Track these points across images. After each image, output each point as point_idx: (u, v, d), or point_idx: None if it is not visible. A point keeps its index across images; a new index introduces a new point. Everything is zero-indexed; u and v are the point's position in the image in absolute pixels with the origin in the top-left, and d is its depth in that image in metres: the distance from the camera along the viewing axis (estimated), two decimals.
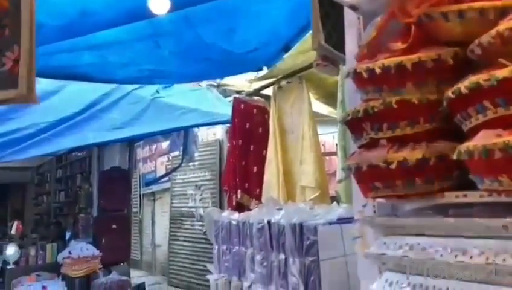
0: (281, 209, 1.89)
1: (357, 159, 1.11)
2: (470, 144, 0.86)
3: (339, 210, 1.82)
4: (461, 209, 0.99)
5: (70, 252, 4.37)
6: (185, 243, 6.92)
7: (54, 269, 4.40)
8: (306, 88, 3.37)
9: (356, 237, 1.17)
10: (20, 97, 1.11)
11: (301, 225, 1.66)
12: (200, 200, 6.80)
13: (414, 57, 0.98)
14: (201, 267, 6.20)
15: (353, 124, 1.15)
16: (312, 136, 3.25)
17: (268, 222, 1.83)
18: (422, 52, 0.99)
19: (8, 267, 4.37)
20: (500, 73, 0.80)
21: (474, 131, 0.90)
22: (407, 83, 1.01)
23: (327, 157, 4.84)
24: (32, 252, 4.57)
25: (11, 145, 3.58)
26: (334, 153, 4.91)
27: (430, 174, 1.00)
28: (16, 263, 4.44)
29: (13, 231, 4.99)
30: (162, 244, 7.87)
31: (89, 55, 2.36)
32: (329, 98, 3.60)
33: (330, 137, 5.05)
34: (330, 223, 1.66)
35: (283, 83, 3.53)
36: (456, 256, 0.88)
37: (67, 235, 5.16)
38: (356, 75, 1.08)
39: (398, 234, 1.04)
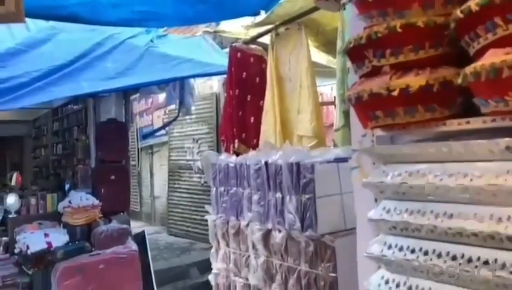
0: (277, 151, 1.89)
1: (358, 88, 1.08)
2: (477, 64, 0.84)
3: (336, 151, 1.82)
4: (461, 139, 0.98)
5: (70, 202, 4.42)
6: (183, 195, 7.04)
7: (55, 218, 4.46)
8: (305, 35, 3.27)
9: (354, 167, 1.17)
10: (8, 13, 1.05)
11: (298, 164, 1.66)
12: (198, 153, 6.83)
13: None
14: (199, 217, 6.35)
15: (355, 52, 1.11)
16: (310, 85, 3.20)
17: (266, 163, 1.83)
18: None
19: (10, 216, 4.42)
20: None
21: (482, 52, 0.87)
22: (414, 4, 0.97)
23: (324, 110, 4.81)
24: (33, 201, 4.61)
25: (4, 94, 3.50)
26: (332, 103, 4.89)
27: (432, 101, 0.98)
28: (17, 212, 4.49)
29: (13, 182, 5.02)
30: (161, 196, 8.02)
31: None
32: (329, 46, 3.52)
33: (328, 89, 4.99)
34: (328, 162, 1.67)
35: (281, 29, 3.42)
36: (456, 179, 0.88)
37: (66, 186, 5.20)
38: None
39: (397, 162, 1.03)
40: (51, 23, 3.85)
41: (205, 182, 6.54)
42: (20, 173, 5.77)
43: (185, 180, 7.07)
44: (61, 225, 4.39)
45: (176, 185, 7.24)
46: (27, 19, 3.81)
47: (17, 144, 10.12)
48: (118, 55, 3.99)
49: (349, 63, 2.63)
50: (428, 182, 0.93)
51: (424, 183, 0.94)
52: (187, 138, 7.07)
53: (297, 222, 1.64)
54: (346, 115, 2.73)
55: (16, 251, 4.00)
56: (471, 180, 0.86)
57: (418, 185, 0.95)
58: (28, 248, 3.87)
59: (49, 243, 4.01)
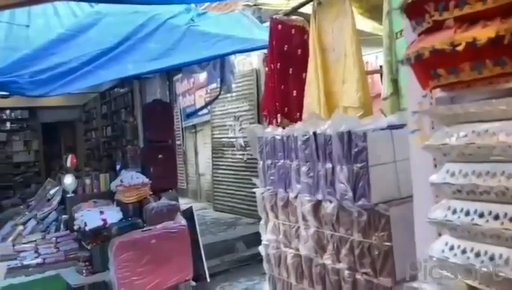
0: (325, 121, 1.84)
1: (417, 46, 1.02)
2: None
3: (388, 118, 1.75)
4: None
5: (121, 181, 4.61)
6: (226, 171, 7.16)
7: (109, 196, 4.67)
8: (349, 1, 3.14)
9: (413, 130, 1.11)
10: None
11: (349, 133, 1.62)
12: (240, 130, 6.88)
13: None
14: (244, 193, 6.47)
15: (414, 8, 1.04)
16: (355, 53, 3.08)
17: (314, 133, 1.80)
18: None
19: (68, 195, 4.68)
20: None
21: None
22: None
23: (369, 80, 4.64)
24: (88, 181, 4.84)
25: (57, 79, 3.66)
26: (378, 71, 4.71)
27: (502, 54, 0.90)
28: (74, 191, 4.73)
29: (68, 164, 5.29)
30: (205, 173, 8.21)
31: None
32: (374, 11, 3.36)
33: (373, 57, 4.80)
34: (381, 129, 1.61)
35: None
36: None
37: (118, 166, 5.42)
38: None
39: (462, 122, 0.97)
40: (96, 8, 3.96)
41: (248, 159, 6.61)
42: (74, 155, 6.07)
43: (228, 158, 7.17)
44: (115, 203, 4.60)
45: (220, 163, 7.37)
46: (75, 4, 3.95)
47: (70, 128, 10.69)
48: (160, 36, 4.04)
49: (397, 27, 2.51)
50: (498, 141, 0.86)
51: (494, 143, 0.87)
52: (228, 115, 7.13)
53: (349, 192, 1.60)
54: (394, 82, 2.62)
55: (75, 227, 4.25)
56: None
57: (487, 145, 0.88)
58: (85, 224, 4.09)
59: (104, 220, 4.22)
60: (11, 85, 3.38)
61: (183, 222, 4.22)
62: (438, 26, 0.98)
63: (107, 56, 3.78)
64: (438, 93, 1.11)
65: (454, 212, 0.96)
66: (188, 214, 4.63)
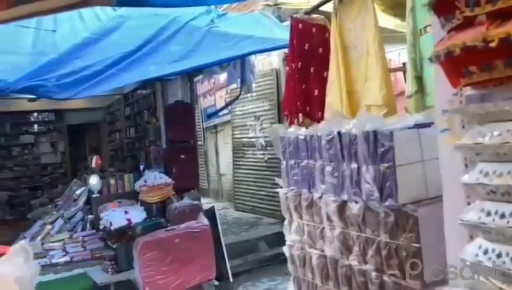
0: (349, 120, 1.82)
1: (447, 43, 0.99)
2: None
3: (414, 116, 1.72)
4: None
5: (145, 181, 4.69)
6: (247, 171, 7.18)
7: (133, 196, 4.77)
8: None
9: (443, 129, 1.09)
10: None
11: (375, 132, 1.59)
12: (260, 130, 6.88)
13: None
14: (265, 193, 6.46)
15: (443, 4, 1.02)
16: (378, 50, 3.02)
17: (338, 133, 1.78)
18: None
19: (93, 195, 4.79)
20: None
21: None
22: None
23: (392, 78, 4.56)
24: (112, 182, 4.95)
25: (82, 82, 3.74)
26: (401, 69, 4.62)
27: None
28: (100, 192, 4.84)
29: (93, 165, 5.41)
30: (226, 173, 8.25)
31: None
32: (397, 8, 3.30)
33: (396, 55, 4.71)
34: (408, 128, 1.57)
35: None
36: None
37: (141, 166, 5.52)
38: None
39: (495, 121, 0.94)
40: (119, 11, 4.03)
41: (269, 158, 6.61)
42: (99, 156, 6.19)
43: (248, 157, 7.18)
44: (139, 203, 4.69)
45: (241, 162, 7.40)
46: (97, 9, 4.02)
47: (94, 130, 10.93)
48: (181, 38, 4.08)
49: (421, 23, 2.46)
50: None
51: None
52: (249, 115, 7.14)
53: (376, 192, 1.58)
54: (418, 80, 2.56)
55: (101, 227, 4.35)
56: None
57: None
58: (111, 224, 4.18)
59: (129, 220, 4.30)
60: (39, 89, 3.48)
61: (206, 221, 4.26)
62: (468, 23, 0.95)
63: (130, 59, 3.84)
64: (468, 91, 1.08)
65: (489, 214, 0.93)
66: (210, 214, 4.67)
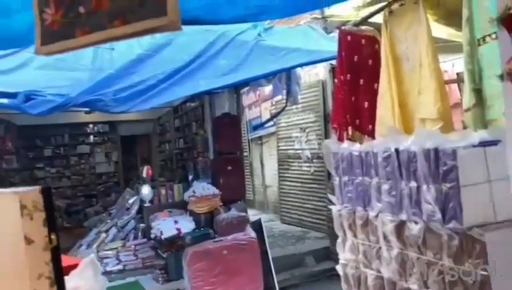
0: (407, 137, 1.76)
1: None
2: None
3: (479, 133, 1.62)
4: None
5: (194, 191, 4.80)
6: (293, 183, 7.12)
7: (182, 206, 4.88)
8: (423, 8, 2.99)
9: None
10: (170, 23, 1.10)
11: (436, 150, 1.52)
12: (306, 142, 6.82)
13: None
14: (312, 206, 6.37)
15: None
16: (432, 63, 2.91)
17: (396, 150, 1.72)
18: None
19: (145, 205, 4.96)
20: None
21: None
22: None
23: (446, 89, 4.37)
24: (163, 192, 5.10)
25: (136, 96, 3.91)
26: (455, 81, 4.42)
27: None
28: (151, 201, 5.01)
29: (144, 174, 5.61)
30: (272, 185, 8.24)
31: None
32: (451, 18, 3.18)
33: (449, 65, 4.52)
34: (472, 146, 1.49)
35: (395, 6, 3.18)
36: None
37: (190, 177, 5.65)
38: None
39: None
40: None
41: (315, 171, 6.53)
42: (149, 166, 6.42)
43: (294, 170, 7.14)
44: (188, 213, 4.79)
45: (286, 174, 7.36)
46: None
47: (145, 141, 11.38)
48: (229, 52, 4.17)
49: (479, 33, 2.34)
50: None
51: None
52: (294, 127, 7.11)
53: (438, 213, 1.51)
54: (477, 93, 2.42)
55: (152, 236, 4.49)
56: None
57: None
58: (161, 233, 4.31)
59: (178, 230, 4.40)
60: (98, 103, 3.68)
61: (253, 234, 4.27)
62: None
63: (181, 73, 3.97)
64: None
65: None
66: (257, 226, 4.67)
